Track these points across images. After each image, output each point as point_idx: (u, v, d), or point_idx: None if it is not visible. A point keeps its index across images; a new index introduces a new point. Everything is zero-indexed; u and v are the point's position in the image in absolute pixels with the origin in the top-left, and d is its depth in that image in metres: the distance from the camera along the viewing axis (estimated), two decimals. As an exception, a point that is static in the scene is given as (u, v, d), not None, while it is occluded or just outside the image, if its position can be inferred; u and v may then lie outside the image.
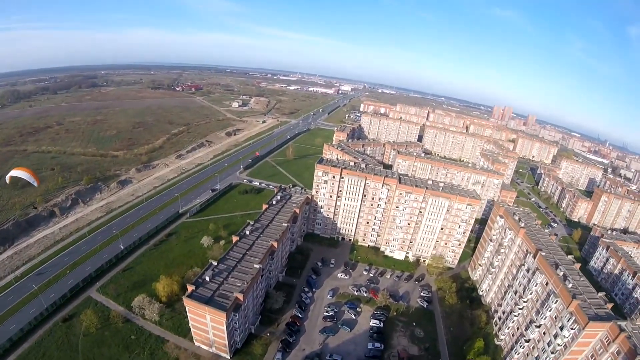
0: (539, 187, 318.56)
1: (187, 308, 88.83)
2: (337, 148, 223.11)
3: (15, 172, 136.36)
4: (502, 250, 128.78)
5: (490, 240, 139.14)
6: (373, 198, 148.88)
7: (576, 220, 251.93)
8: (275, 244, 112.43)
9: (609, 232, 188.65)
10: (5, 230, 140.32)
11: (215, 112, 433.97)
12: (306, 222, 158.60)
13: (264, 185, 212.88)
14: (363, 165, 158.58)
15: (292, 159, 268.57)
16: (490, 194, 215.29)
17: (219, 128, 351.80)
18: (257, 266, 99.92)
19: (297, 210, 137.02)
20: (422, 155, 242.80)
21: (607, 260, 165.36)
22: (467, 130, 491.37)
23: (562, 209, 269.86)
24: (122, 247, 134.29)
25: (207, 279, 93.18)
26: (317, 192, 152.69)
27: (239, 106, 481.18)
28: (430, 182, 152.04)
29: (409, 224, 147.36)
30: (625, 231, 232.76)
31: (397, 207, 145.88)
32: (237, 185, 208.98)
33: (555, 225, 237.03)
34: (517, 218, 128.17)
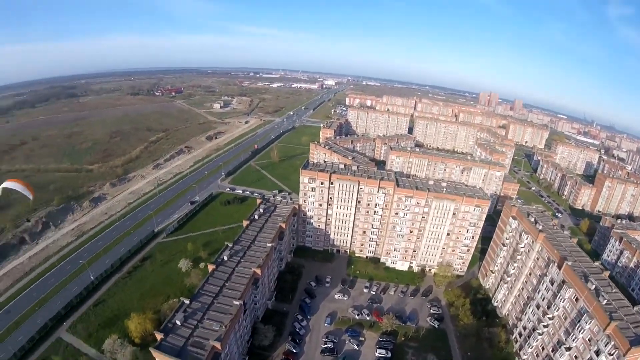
0: (537, 174, 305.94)
1: (157, 361, 73.16)
2: (324, 147, 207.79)
3: (7, 184, 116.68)
4: (519, 257, 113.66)
5: (503, 245, 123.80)
6: (369, 204, 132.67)
7: (580, 208, 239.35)
8: (259, 271, 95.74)
9: (619, 221, 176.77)
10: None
11: (196, 115, 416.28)
12: (295, 235, 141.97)
13: (247, 193, 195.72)
14: (354, 168, 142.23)
15: (278, 161, 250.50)
16: (492, 187, 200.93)
17: (199, 132, 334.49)
18: (237, 303, 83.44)
19: (284, 225, 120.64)
20: (416, 149, 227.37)
21: (622, 253, 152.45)
22: (456, 119, 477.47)
23: (564, 197, 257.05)
24: (92, 277, 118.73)
25: (179, 322, 76.88)
26: (304, 200, 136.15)
27: (221, 107, 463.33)
28: (432, 182, 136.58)
29: (411, 232, 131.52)
30: (631, 217, 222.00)
31: (397, 213, 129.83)
32: (219, 195, 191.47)
33: (560, 215, 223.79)
34: (532, 220, 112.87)
